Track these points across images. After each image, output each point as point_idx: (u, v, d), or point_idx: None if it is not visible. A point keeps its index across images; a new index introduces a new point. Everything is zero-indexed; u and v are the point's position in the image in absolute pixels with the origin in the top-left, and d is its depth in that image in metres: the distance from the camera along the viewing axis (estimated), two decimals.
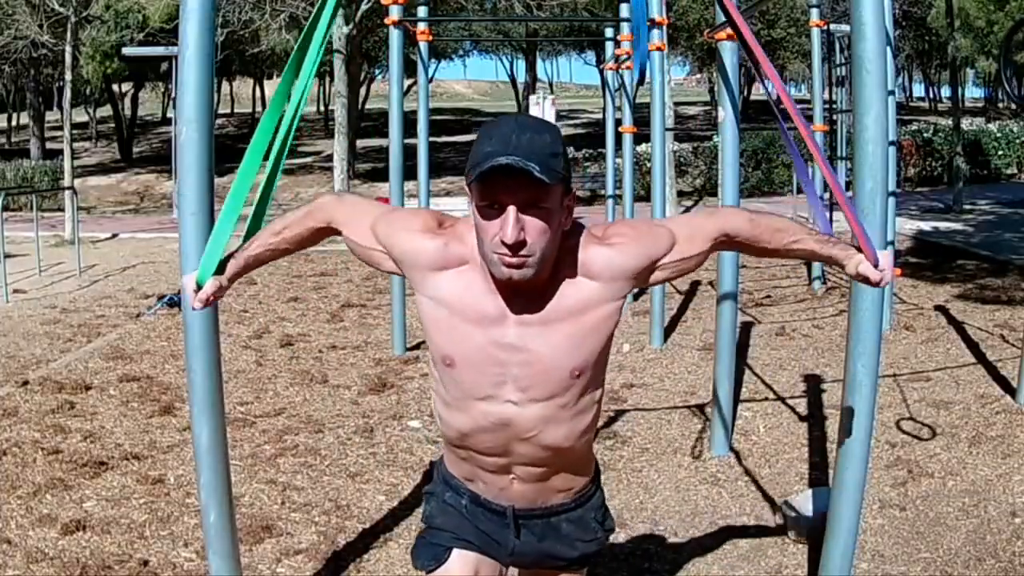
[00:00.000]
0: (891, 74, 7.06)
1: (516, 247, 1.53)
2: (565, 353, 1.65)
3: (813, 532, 3.26)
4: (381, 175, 22.09)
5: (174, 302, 7.83)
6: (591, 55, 32.64)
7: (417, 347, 6.51)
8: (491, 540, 1.85)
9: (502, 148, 1.50)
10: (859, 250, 1.80)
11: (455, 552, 1.83)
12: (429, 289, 1.68)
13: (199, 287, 1.81)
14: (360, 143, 24.27)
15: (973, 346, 6.19)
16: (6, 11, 16.47)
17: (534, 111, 16.31)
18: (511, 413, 1.68)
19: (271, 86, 40.17)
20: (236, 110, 41.49)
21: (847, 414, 2.34)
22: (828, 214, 8.61)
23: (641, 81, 6.40)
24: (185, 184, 2.31)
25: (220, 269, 1.84)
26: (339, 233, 1.82)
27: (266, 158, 1.95)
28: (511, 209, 1.51)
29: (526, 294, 1.63)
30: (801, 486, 3.92)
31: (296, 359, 6.39)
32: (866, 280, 1.79)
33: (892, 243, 6.88)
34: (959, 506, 3.67)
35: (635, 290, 1.74)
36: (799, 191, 15.38)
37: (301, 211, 1.86)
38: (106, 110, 33.19)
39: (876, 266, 1.78)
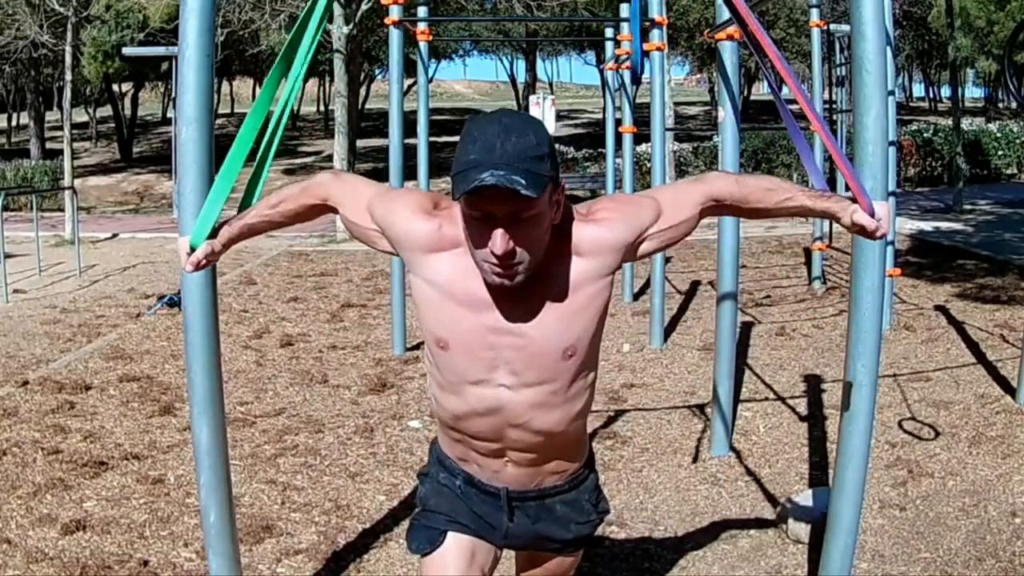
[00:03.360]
0: (891, 74, 7.06)
1: (506, 258, 1.52)
2: (555, 334, 1.65)
3: (813, 532, 3.26)
4: (381, 175, 22.07)
5: (174, 302, 7.82)
6: (591, 55, 32.64)
7: (417, 347, 6.50)
8: (485, 523, 1.85)
9: (487, 157, 1.47)
10: (855, 202, 1.75)
11: (450, 535, 1.83)
12: (423, 270, 1.69)
13: (192, 250, 1.82)
14: (360, 143, 24.26)
15: (973, 346, 6.19)
16: (6, 11, 16.46)
17: (534, 111, 16.31)
18: (504, 398, 1.69)
19: None
20: (236, 110, 41.47)
21: (847, 414, 2.34)
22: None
23: (637, 81, 6.38)
24: (185, 184, 2.31)
25: (213, 234, 1.85)
26: (335, 211, 1.82)
27: (252, 157, 1.97)
28: (499, 224, 1.50)
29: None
30: (801, 486, 3.92)
31: (296, 359, 6.39)
32: (863, 231, 1.73)
33: (892, 243, 6.88)
34: (959, 506, 3.66)
35: (624, 264, 1.74)
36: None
37: (297, 186, 1.86)
38: (106, 110, 33.16)
39: (870, 213, 1.73)
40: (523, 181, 1.46)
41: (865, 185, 2.27)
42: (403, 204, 1.72)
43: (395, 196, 1.76)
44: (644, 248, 1.72)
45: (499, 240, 1.50)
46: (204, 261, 1.82)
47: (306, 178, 1.90)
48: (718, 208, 1.77)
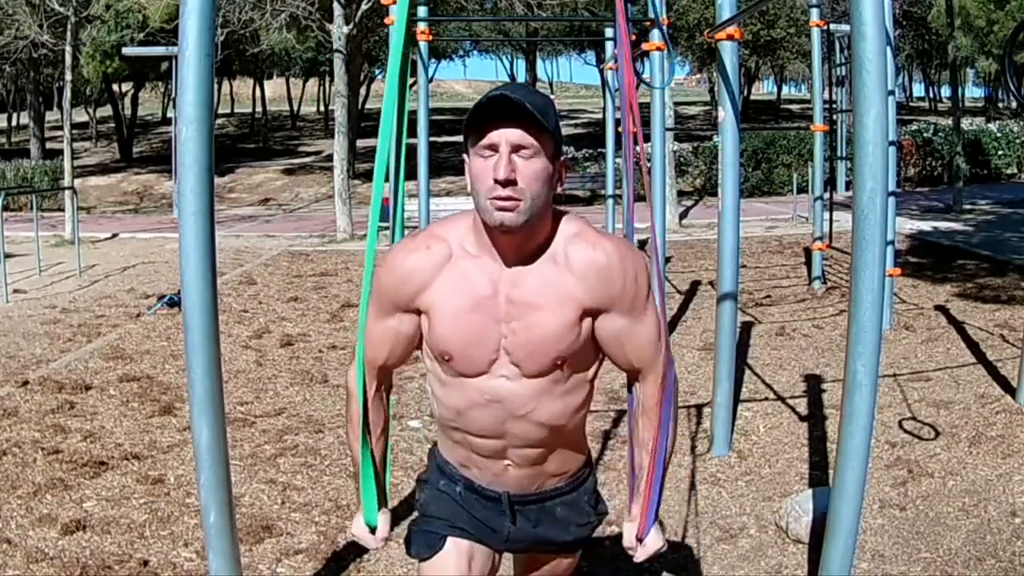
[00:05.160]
0: (891, 74, 7.06)
1: (507, 183, 1.58)
2: (544, 341, 1.68)
3: (813, 532, 3.26)
4: None
5: (174, 302, 7.83)
6: (591, 55, 32.65)
7: (417, 347, 6.50)
8: (486, 527, 1.86)
9: (499, 98, 1.58)
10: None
11: (449, 540, 1.84)
12: (428, 302, 1.72)
13: (371, 528, 1.85)
14: (360, 143, 24.26)
15: (973, 346, 6.19)
16: (6, 11, 16.45)
17: None
18: (505, 389, 1.71)
19: (271, 86, 40.24)
20: (236, 110, 41.48)
21: (847, 414, 2.34)
22: (829, 213, 8.45)
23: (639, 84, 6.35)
24: (185, 184, 2.31)
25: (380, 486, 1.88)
26: (405, 358, 1.84)
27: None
28: (504, 148, 1.58)
29: (515, 265, 1.67)
30: (801, 486, 3.92)
31: (296, 359, 6.39)
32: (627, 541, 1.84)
33: (892, 243, 6.88)
34: (959, 506, 3.66)
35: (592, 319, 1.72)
36: (799, 191, 15.37)
37: (358, 395, 1.83)
38: (106, 110, 33.17)
39: (639, 537, 1.81)
40: (530, 108, 1.56)
41: (865, 185, 2.27)
42: (391, 272, 1.74)
43: (383, 278, 1.77)
44: (591, 325, 1.71)
45: (503, 165, 1.57)
46: (389, 531, 1.88)
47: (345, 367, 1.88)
48: (630, 376, 1.82)
